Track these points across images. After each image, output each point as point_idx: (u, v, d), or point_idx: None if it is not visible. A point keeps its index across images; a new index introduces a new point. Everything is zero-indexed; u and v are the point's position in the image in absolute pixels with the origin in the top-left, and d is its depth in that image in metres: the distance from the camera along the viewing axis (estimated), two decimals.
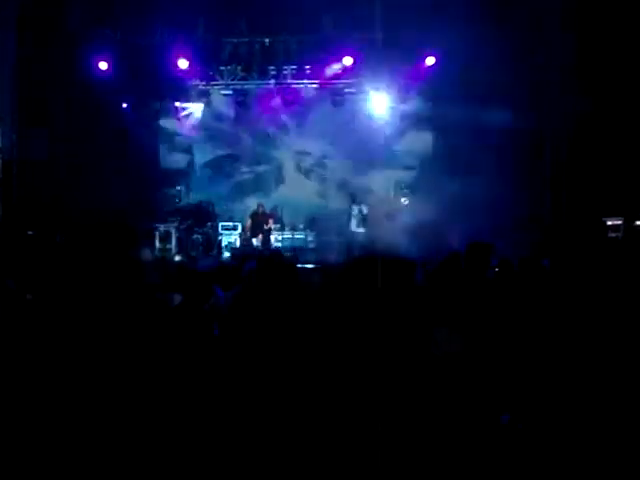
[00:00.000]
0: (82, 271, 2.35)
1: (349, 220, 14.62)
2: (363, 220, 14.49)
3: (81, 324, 2.28)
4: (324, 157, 15.55)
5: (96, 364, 2.24)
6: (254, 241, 14.74)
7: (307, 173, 15.77)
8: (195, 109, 15.69)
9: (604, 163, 11.75)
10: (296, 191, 15.58)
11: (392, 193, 14.99)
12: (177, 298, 4.77)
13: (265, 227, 14.68)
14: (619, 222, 11.62)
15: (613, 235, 11.57)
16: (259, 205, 15.00)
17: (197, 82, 14.80)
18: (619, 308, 4.50)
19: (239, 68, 14.40)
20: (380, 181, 14.67)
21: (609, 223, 11.69)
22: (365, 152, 14.47)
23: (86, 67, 12.84)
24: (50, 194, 10.72)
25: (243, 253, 14.06)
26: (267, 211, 14.98)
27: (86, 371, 2.20)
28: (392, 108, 14.97)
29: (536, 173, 13.60)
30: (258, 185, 15.96)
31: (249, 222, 14.89)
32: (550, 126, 13.40)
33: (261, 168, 15.95)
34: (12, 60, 11.18)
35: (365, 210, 14.52)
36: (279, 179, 15.98)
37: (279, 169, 15.94)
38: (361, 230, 14.40)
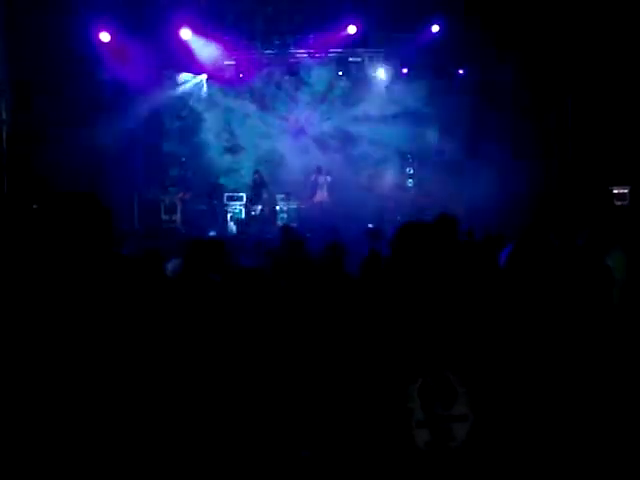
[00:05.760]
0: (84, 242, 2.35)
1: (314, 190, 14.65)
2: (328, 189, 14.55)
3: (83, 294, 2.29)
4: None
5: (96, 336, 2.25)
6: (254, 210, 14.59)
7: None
8: (198, 80, 15.63)
9: (610, 131, 11.63)
10: (295, 159, 15.44)
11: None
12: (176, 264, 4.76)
13: (264, 196, 14.53)
14: (625, 190, 11.54)
15: (619, 203, 11.50)
16: (256, 172, 14.86)
17: (200, 52, 14.65)
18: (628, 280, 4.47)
19: (242, 38, 14.24)
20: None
21: (615, 191, 11.62)
22: None
23: (86, 36, 12.70)
24: (53, 167, 10.67)
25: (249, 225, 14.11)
26: (265, 179, 14.82)
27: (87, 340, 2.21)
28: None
29: (542, 141, 13.48)
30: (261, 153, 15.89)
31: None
32: (555, 94, 13.26)
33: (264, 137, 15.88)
34: (4, 31, 11.02)
35: (329, 179, 14.56)
36: (281, 147, 15.84)
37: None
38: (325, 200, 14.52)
